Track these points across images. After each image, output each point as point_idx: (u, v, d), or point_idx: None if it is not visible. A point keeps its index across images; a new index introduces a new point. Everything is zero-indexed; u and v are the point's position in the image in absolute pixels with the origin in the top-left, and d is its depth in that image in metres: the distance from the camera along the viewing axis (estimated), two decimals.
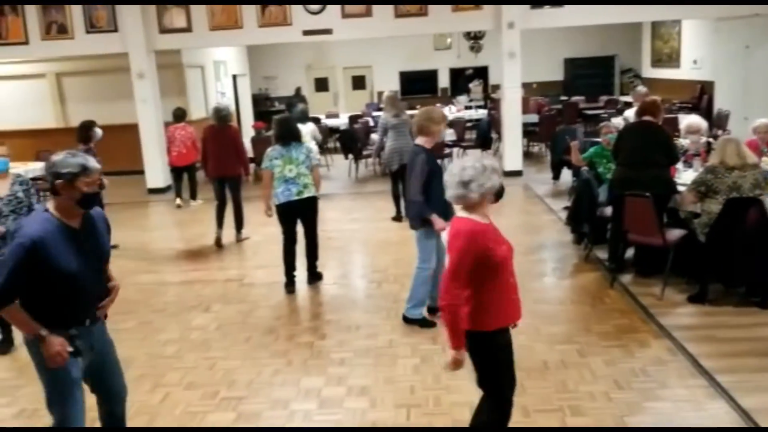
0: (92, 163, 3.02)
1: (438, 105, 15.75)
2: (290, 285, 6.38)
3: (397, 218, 8.80)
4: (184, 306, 6.13)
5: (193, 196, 10.82)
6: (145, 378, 4.62)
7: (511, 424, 3.81)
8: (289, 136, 6.24)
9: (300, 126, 7.35)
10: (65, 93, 14.58)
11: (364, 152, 12.62)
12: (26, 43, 11.78)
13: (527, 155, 13.44)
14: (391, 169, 8.77)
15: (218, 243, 8.14)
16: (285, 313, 5.86)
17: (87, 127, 7.77)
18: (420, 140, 5.16)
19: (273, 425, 3.97)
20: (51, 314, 2.99)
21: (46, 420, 4.02)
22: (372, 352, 4.92)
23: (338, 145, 13.94)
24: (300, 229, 6.38)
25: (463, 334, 3.03)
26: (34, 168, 10.84)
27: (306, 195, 6.16)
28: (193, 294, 6.46)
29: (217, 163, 7.96)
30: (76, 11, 11.61)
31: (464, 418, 3.86)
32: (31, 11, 11.64)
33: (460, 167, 3.08)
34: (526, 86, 14.22)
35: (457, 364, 3.09)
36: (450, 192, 3.11)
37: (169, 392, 4.46)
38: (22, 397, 4.50)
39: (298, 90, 19.26)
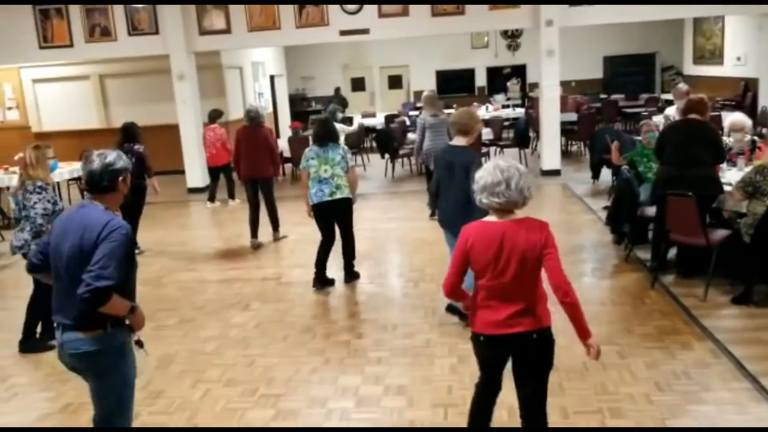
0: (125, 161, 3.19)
1: (475, 104, 15.69)
2: (316, 282, 6.42)
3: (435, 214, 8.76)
4: (223, 304, 6.21)
5: (231, 196, 10.94)
6: (187, 374, 4.69)
7: (550, 424, 3.79)
8: (326, 137, 6.24)
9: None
10: (108, 94, 14.90)
11: (401, 152, 12.63)
12: (71, 45, 12.08)
13: (565, 154, 13.29)
14: (429, 167, 8.75)
15: (256, 247, 8.13)
16: (322, 312, 5.90)
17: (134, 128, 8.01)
18: (461, 140, 5.12)
19: (310, 423, 4.00)
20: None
21: (90, 414, 4.13)
22: (409, 351, 4.92)
23: (374, 144, 13.99)
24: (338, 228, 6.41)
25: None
26: (79, 168, 11.10)
27: (338, 196, 6.15)
28: (232, 292, 6.55)
29: (248, 165, 8.01)
30: (118, 14, 11.86)
31: (501, 419, 3.85)
32: (76, 14, 11.92)
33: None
34: (564, 84, 14.09)
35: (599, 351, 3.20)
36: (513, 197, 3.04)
37: (209, 388, 4.53)
38: (68, 392, 4.61)
39: (337, 90, 19.32)
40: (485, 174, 3.05)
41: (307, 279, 6.68)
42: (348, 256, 6.52)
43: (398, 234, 8.40)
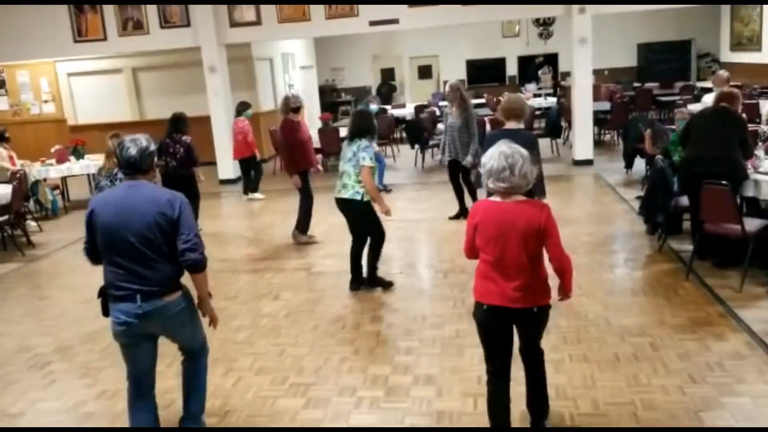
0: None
1: (506, 94, 15.56)
2: (353, 285, 6.14)
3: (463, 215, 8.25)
4: (254, 293, 6.28)
5: (254, 189, 10.90)
6: (219, 362, 4.75)
7: (581, 416, 3.77)
8: (360, 131, 5.87)
9: None
10: (141, 87, 15.11)
11: (431, 142, 12.58)
12: (104, 39, 12.26)
13: (598, 144, 13.10)
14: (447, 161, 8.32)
15: (298, 242, 7.94)
16: (352, 302, 5.92)
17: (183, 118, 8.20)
18: (515, 124, 5.34)
19: (340, 412, 4.02)
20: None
21: (125, 402, 4.22)
22: (438, 341, 4.92)
23: (404, 135, 13.96)
24: None
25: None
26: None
27: (342, 195, 5.82)
28: (263, 282, 6.61)
29: (282, 157, 7.96)
30: (150, 7, 11.99)
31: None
32: (109, 8, 12.09)
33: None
34: (597, 73, 13.89)
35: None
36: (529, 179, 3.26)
37: (241, 376, 4.58)
38: (104, 379, 4.72)
39: (381, 86, 19.33)
40: (491, 160, 3.22)
41: (338, 269, 6.71)
42: (369, 257, 6.08)
43: (427, 225, 8.38)
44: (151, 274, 3.28)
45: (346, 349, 4.92)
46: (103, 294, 3.47)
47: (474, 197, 8.28)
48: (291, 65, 17.02)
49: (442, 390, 4.20)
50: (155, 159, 3.48)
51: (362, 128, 5.88)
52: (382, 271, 6.56)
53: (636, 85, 17.51)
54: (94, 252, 3.44)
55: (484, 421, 3.78)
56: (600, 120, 13.11)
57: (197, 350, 3.73)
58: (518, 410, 3.79)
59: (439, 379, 4.34)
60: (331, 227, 8.26)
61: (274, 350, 4.99)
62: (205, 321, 3.69)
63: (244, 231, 8.98)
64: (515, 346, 3.49)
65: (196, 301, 3.58)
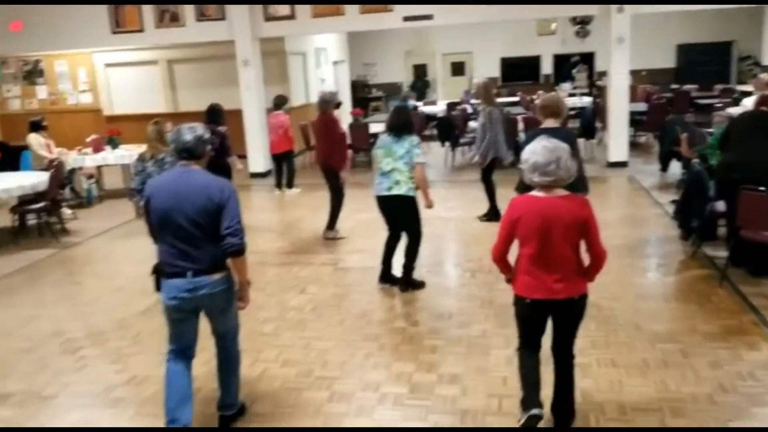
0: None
1: (540, 92, 15.41)
2: (381, 278, 6.13)
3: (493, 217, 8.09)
4: (282, 286, 6.32)
5: (289, 185, 10.88)
6: (245, 353, 4.75)
7: (607, 420, 3.72)
8: (397, 127, 5.78)
9: None
10: (175, 79, 15.27)
11: (461, 140, 12.52)
12: (141, 30, 12.42)
13: (633, 145, 12.90)
14: (507, 160, 8.13)
15: (326, 238, 7.94)
16: (378, 298, 5.92)
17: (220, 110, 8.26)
18: (553, 122, 5.36)
19: (364, 407, 4.03)
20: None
21: (155, 388, 4.28)
22: (464, 341, 4.90)
23: (435, 132, 13.92)
24: None
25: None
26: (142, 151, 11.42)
27: (395, 192, 5.72)
28: (290, 276, 6.65)
29: (317, 151, 7.93)
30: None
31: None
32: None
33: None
34: (634, 73, 13.68)
35: None
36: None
37: (267, 368, 4.62)
38: (135, 365, 4.79)
39: (415, 82, 19.31)
40: (534, 155, 3.28)
41: (364, 266, 6.72)
42: (406, 257, 5.98)
43: (457, 223, 8.35)
44: (200, 254, 3.50)
45: (371, 344, 4.92)
46: (157, 271, 3.67)
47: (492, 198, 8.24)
48: (324, 60, 17.08)
49: (466, 389, 4.18)
50: (208, 147, 3.67)
51: (408, 123, 5.87)
52: None
53: (674, 86, 17.23)
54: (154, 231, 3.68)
55: (509, 422, 3.76)
56: (636, 121, 12.91)
57: (230, 336, 3.85)
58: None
59: (464, 378, 4.33)
60: (358, 224, 8.28)
61: (299, 343, 5.02)
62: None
63: (274, 224, 9.04)
64: (547, 346, 3.60)
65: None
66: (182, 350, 3.73)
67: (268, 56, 13.12)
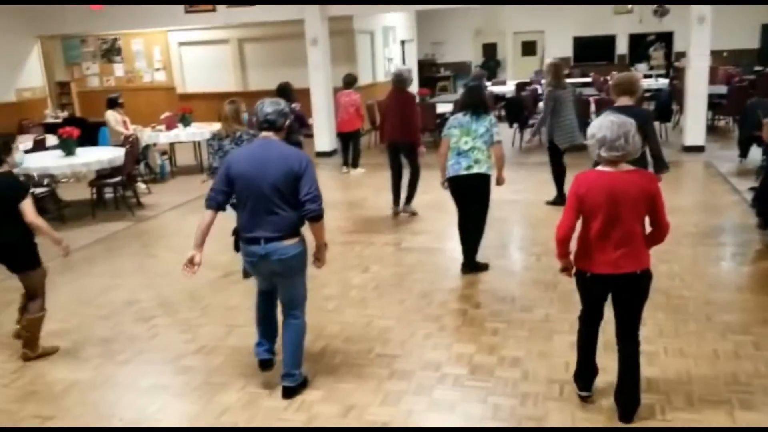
0: None
1: (614, 73, 14.95)
2: (464, 265, 6.01)
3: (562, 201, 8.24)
4: (345, 265, 6.39)
5: (355, 164, 10.95)
6: (309, 329, 4.86)
7: (673, 410, 3.64)
8: (475, 106, 5.76)
9: None
10: (246, 58, 15.53)
11: (530, 121, 12.30)
12: (213, 10, 12.67)
13: (711, 129, 12.41)
14: (562, 145, 8.03)
15: (396, 214, 8.07)
16: (440, 279, 5.92)
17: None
18: (627, 100, 5.30)
19: (423, 386, 4.06)
20: None
21: (222, 359, 4.43)
22: (527, 324, 4.86)
23: (503, 113, 13.71)
24: None
25: None
26: (217, 128, 11.68)
27: (475, 171, 5.67)
28: (353, 254, 6.72)
29: (390, 129, 7.90)
30: None
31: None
32: None
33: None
34: (715, 54, 13.11)
35: None
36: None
37: (328, 343, 4.71)
38: (204, 335, 4.97)
39: (489, 54, 19.04)
40: (602, 129, 3.30)
41: (426, 246, 6.73)
42: (473, 239, 5.97)
43: (523, 206, 8.24)
44: (276, 220, 3.72)
45: (432, 325, 4.94)
46: (236, 233, 4.01)
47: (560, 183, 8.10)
48: (391, 39, 17.02)
49: (527, 373, 4.15)
50: (287, 121, 3.87)
51: (484, 102, 5.92)
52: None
53: (757, 68, 16.40)
54: (217, 198, 3.86)
55: (569, 408, 3.73)
56: (715, 104, 12.40)
57: (297, 304, 4.01)
58: (607, 402, 3.73)
59: (526, 362, 4.30)
60: (421, 205, 8.27)
61: (361, 321, 5.08)
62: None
63: (338, 203, 9.11)
64: (610, 334, 3.64)
65: (310, 254, 3.94)
66: (265, 294, 4.13)
67: (336, 35, 13.17)
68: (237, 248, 3.96)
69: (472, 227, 5.93)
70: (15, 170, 4.73)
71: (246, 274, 5.84)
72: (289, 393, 4.02)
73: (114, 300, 5.81)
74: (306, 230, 3.86)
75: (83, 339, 5.02)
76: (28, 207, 4.46)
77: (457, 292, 5.62)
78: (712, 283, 5.51)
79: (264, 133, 3.86)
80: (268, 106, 3.82)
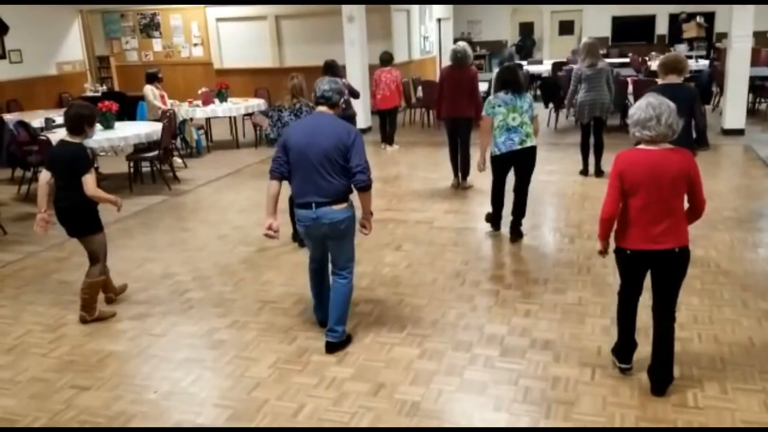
0: None
1: (653, 53, 14.65)
2: (496, 225, 6.54)
3: (585, 172, 8.56)
4: (377, 243, 6.41)
5: (390, 141, 10.97)
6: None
7: (706, 398, 3.61)
8: (516, 84, 6.09)
9: None
10: (282, 35, 15.54)
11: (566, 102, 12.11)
12: None
13: (752, 113, 12.11)
14: (582, 122, 8.40)
15: (456, 186, 8.27)
16: (472, 259, 5.92)
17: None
18: (674, 78, 5.44)
19: (454, 366, 4.08)
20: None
21: (254, 333, 4.51)
22: (559, 307, 4.84)
23: (539, 93, 13.54)
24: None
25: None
26: (253, 104, 11.78)
27: (528, 144, 6.00)
28: (386, 232, 6.73)
29: (450, 105, 7.94)
30: None
31: (649, 384, 3.71)
32: None
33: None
34: (758, 35, 12.73)
35: None
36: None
37: (360, 321, 4.74)
38: (236, 310, 5.04)
39: (527, 32, 18.83)
40: (638, 110, 3.44)
41: (460, 226, 6.72)
42: (519, 213, 6.33)
43: (557, 187, 8.17)
44: (326, 186, 4.04)
45: (464, 305, 4.95)
46: (291, 200, 4.66)
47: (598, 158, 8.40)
48: (428, 17, 16.86)
49: (559, 356, 4.14)
50: (342, 98, 4.26)
51: (517, 81, 6.17)
52: (505, 230, 6.58)
53: None
54: (280, 169, 4.15)
55: (601, 392, 3.71)
56: (756, 87, 12.09)
57: (346, 265, 4.32)
58: (638, 390, 3.70)
59: (558, 344, 4.28)
60: (448, 183, 8.25)
61: (393, 299, 5.11)
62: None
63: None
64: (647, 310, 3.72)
65: (358, 219, 4.28)
66: (317, 260, 4.45)
67: (372, 12, 13.10)
68: (293, 214, 4.39)
69: (519, 195, 6.26)
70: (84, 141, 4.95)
71: (301, 244, 6.09)
72: (331, 348, 4.29)
73: (150, 273, 5.92)
74: (354, 197, 4.18)
75: (119, 310, 5.13)
76: (90, 180, 4.69)
77: (489, 273, 5.62)
78: (749, 269, 5.41)
79: (320, 108, 4.20)
80: (326, 84, 4.16)
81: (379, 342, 4.43)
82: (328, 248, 4.29)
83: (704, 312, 4.64)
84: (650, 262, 3.56)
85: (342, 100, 4.28)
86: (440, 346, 4.34)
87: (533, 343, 4.33)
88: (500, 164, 6.18)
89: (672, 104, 3.44)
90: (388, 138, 10.98)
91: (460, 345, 4.34)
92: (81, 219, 4.81)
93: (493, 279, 5.47)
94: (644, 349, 3.82)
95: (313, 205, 4.07)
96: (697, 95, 5.61)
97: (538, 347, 4.27)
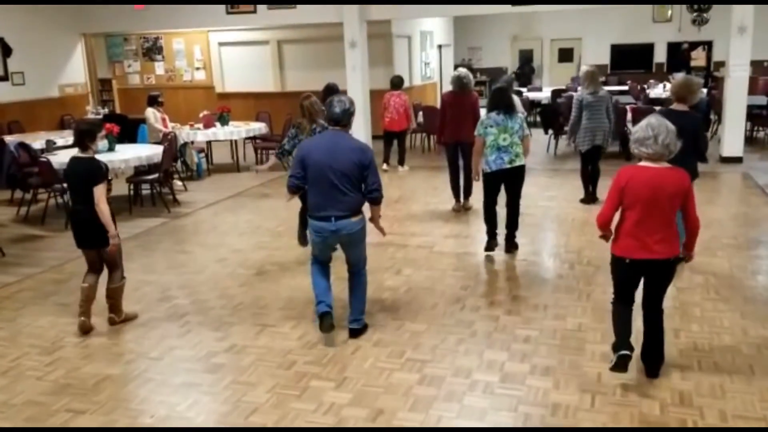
0: None
1: (651, 81, 14.77)
2: (491, 243, 6.60)
3: (586, 200, 8.51)
4: (378, 266, 6.38)
5: (401, 162, 11.20)
6: (338, 330, 4.90)
7: (707, 425, 3.58)
8: (506, 105, 6.33)
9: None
10: (284, 59, 15.67)
11: (566, 128, 12.18)
12: (254, 12, 12.82)
13: (750, 140, 12.18)
14: (581, 149, 8.35)
15: (458, 210, 8.32)
16: (472, 284, 5.90)
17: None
18: (680, 105, 5.65)
19: (454, 392, 4.05)
20: None
21: (252, 358, 4.49)
22: (559, 333, 4.82)
23: (539, 119, 13.63)
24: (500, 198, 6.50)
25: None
26: (255, 128, 11.84)
27: (517, 163, 6.28)
28: (386, 256, 6.73)
29: (453, 130, 8.03)
30: None
31: (652, 414, 3.68)
32: None
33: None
34: (755, 64, 12.86)
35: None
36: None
37: (360, 346, 4.71)
38: (235, 334, 5.02)
39: (526, 59, 19.01)
40: (639, 129, 3.79)
41: (460, 250, 6.72)
42: (512, 226, 6.61)
43: (556, 213, 8.18)
44: (345, 200, 4.45)
45: (464, 330, 4.93)
46: (303, 214, 5.27)
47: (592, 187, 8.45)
48: (429, 43, 17.02)
49: (559, 382, 4.12)
50: (351, 118, 4.60)
51: (512, 101, 6.51)
52: (505, 256, 6.64)
53: None
54: (298, 183, 4.56)
55: (601, 419, 3.69)
56: (754, 115, 12.17)
57: (361, 266, 4.83)
58: (637, 410, 3.67)
59: (557, 371, 4.26)
60: (449, 206, 8.26)
61: (392, 324, 5.09)
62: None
63: None
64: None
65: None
66: (321, 263, 4.82)
67: (374, 38, 13.23)
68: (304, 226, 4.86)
69: (511, 209, 6.54)
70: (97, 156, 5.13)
71: (303, 242, 6.51)
72: (355, 333, 4.79)
73: (148, 295, 5.90)
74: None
75: (116, 334, 5.11)
76: (99, 191, 4.87)
77: (489, 298, 5.60)
78: (749, 296, 5.40)
79: (332, 127, 4.57)
80: (336, 106, 4.50)
81: (378, 367, 4.41)
82: (345, 253, 4.76)
83: (704, 339, 4.62)
84: (645, 270, 3.91)
85: (352, 119, 4.64)
86: (440, 372, 4.31)
87: (533, 369, 4.30)
88: (491, 182, 6.44)
89: (671, 126, 3.76)
90: (399, 159, 11.22)
91: (460, 371, 4.31)
92: (99, 230, 4.93)
93: (493, 304, 5.45)
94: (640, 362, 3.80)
95: (333, 218, 4.47)
96: (698, 122, 5.76)
97: (538, 373, 4.24)
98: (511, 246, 6.64)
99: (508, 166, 6.26)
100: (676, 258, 3.90)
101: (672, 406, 3.77)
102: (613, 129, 8.48)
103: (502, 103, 6.35)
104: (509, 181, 6.40)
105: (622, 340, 3.99)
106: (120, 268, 5.21)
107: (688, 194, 3.82)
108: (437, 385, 4.14)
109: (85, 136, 4.97)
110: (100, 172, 4.90)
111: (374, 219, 4.79)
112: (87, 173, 4.89)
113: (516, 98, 9.33)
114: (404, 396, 4.04)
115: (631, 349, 3.96)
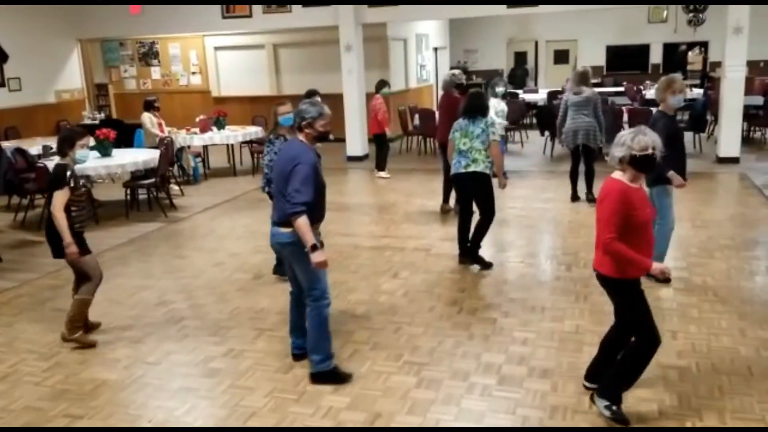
0: (326, 110, 4.15)
1: (647, 82, 14.79)
2: (461, 256, 6.47)
3: (574, 197, 8.68)
4: (374, 270, 6.40)
5: (381, 167, 10.95)
6: (336, 334, 4.88)
7: (705, 427, 3.58)
8: (473, 110, 6.23)
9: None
10: (280, 63, 15.68)
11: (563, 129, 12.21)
12: (250, 16, 12.84)
13: (747, 141, 12.21)
14: (569, 147, 8.59)
15: (446, 211, 8.37)
16: (470, 287, 5.90)
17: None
18: (662, 106, 5.56)
19: (452, 395, 4.05)
20: (311, 217, 3.96)
21: (250, 362, 4.47)
22: (557, 335, 4.81)
23: (534, 121, 13.64)
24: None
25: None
26: (251, 131, 11.83)
27: (472, 169, 6.12)
28: (383, 259, 6.73)
29: (444, 130, 7.93)
30: None
31: (651, 416, 3.68)
32: None
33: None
34: (751, 65, 12.89)
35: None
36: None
37: (357, 349, 4.71)
38: (232, 338, 5.01)
39: (520, 63, 19.06)
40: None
41: (456, 253, 6.70)
42: (475, 235, 6.33)
43: (553, 215, 8.18)
44: (279, 207, 4.12)
45: (461, 333, 4.92)
46: None
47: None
48: (424, 46, 17.04)
49: (557, 385, 4.11)
50: (303, 121, 4.16)
51: (480, 107, 6.25)
52: (502, 258, 6.56)
53: None
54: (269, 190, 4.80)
55: (599, 422, 3.68)
56: (750, 116, 12.19)
57: (309, 291, 4.18)
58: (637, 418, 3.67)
59: (555, 374, 4.26)
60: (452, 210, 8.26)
61: (390, 327, 5.08)
62: None
63: (367, 208, 9.14)
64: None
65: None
66: (294, 292, 4.44)
67: (369, 41, 13.23)
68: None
69: (479, 220, 6.28)
70: (75, 166, 5.01)
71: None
72: (312, 378, 4.26)
73: (145, 300, 5.89)
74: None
75: (114, 339, 5.09)
76: (57, 198, 4.73)
77: (486, 301, 5.60)
78: (747, 297, 5.41)
79: (291, 134, 4.53)
80: (302, 108, 4.20)
81: (375, 371, 4.40)
82: (295, 274, 4.27)
83: (702, 341, 4.62)
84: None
85: (309, 123, 4.09)
86: (437, 375, 4.30)
87: (531, 371, 4.30)
88: (456, 186, 6.60)
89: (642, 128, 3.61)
90: (375, 164, 11.07)
91: (458, 374, 4.31)
92: (58, 239, 4.76)
93: (491, 307, 5.45)
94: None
95: (272, 223, 4.27)
96: (655, 124, 5.25)
97: (535, 376, 4.24)
98: (466, 257, 6.38)
99: (464, 170, 6.15)
100: (602, 274, 3.74)
101: (670, 408, 3.77)
102: (607, 130, 8.43)
103: (468, 108, 6.29)
104: (469, 188, 6.26)
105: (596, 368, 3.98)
106: (92, 282, 4.96)
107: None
108: (435, 388, 4.14)
109: (64, 143, 4.91)
110: (60, 178, 4.76)
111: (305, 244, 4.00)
112: (52, 179, 4.85)
113: (493, 102, 9.19)
114: (402, 399, 4.03)
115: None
